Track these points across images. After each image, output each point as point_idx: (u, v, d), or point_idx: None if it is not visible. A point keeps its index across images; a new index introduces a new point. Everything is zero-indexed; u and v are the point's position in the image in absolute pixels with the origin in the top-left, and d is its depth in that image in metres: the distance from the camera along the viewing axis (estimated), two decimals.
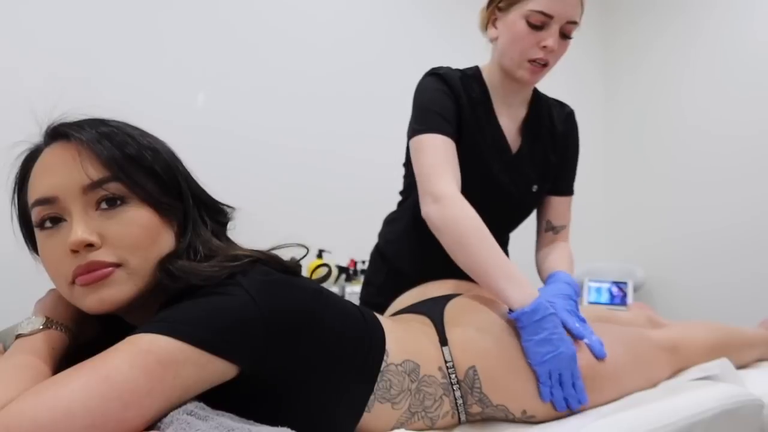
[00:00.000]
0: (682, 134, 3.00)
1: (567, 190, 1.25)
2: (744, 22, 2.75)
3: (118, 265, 0.62)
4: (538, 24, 1.03)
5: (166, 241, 0.67)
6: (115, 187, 0.63)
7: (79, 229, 0.61)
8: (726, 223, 2.76)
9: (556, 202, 1.24)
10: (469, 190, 1.13)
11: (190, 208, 0.71)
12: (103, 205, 0.63)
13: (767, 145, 2.62)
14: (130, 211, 0.64)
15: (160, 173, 0.68)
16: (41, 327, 0.65)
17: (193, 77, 2.25)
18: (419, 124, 1.08)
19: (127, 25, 2.11)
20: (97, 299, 0.62)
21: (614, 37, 3.42)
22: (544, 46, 1.04)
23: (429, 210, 0.99)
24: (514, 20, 1.05)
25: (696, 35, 2.96)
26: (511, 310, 0.88)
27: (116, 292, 0.62)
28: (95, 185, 0.62)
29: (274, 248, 0.73)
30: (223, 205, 0.77)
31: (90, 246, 0.61)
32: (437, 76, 1.12)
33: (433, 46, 2.74)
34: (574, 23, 1.05)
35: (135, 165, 0.65)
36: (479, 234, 0.94)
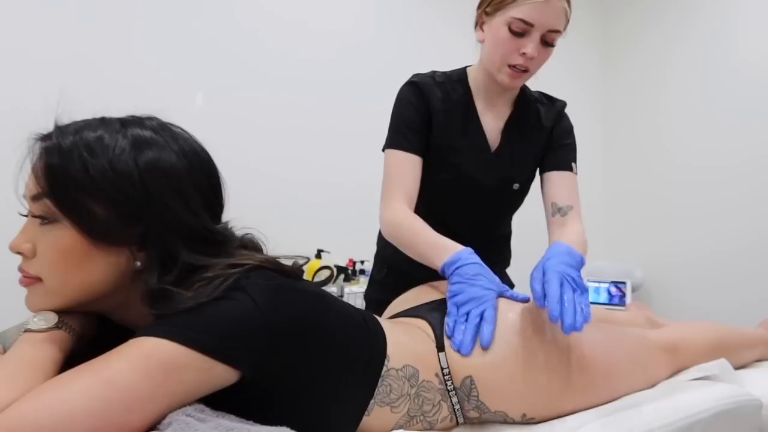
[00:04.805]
0: (681, 134, 3.01)
1: (564, 164, 1.20)
2: (741, 16, 2.75)
3: (39, 279, 0.64)
4: (519, 31, 1.04)
5: (98, 267, 0.63)
6: (44, 206, 0.63)
7: (18, 237, 0.65)
8: (725, 223, 2.77)
9: (556, 178, 1.19)
10: (447, 189, 1.17)
11: (159, 238, 0.64)
12: (39, 220, 0.64)
13: (767, 144, 2.63)
14: (56, 231, 0.63)
15: (114, 199, 0.62)
16: (53, 326, 0.64)
17: (193, 76, 2.24)
18: (387, 138, 1.17)
19: (127, 23, 2.11)
20: (28, 302, 0.66)
21: (613, 37, 3.43)
22: (524, 53, 1.05)
23: (381, 226, 1.13)
24: (497, 26, 1.07)
25: (695, 34, 2.97)
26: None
27: (38, 302, 0.65)
28: (34, 198, 0.63)
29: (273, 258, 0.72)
30: (216, 230, 0.69)
31: (21, 253, 0.64)
32: (411, 85, 1.17)
33: (431, 46, 2.74)
34: (557, 32, 1.06)
35: (74, 186, 0.61)
36: (415, 228, 1.06)
